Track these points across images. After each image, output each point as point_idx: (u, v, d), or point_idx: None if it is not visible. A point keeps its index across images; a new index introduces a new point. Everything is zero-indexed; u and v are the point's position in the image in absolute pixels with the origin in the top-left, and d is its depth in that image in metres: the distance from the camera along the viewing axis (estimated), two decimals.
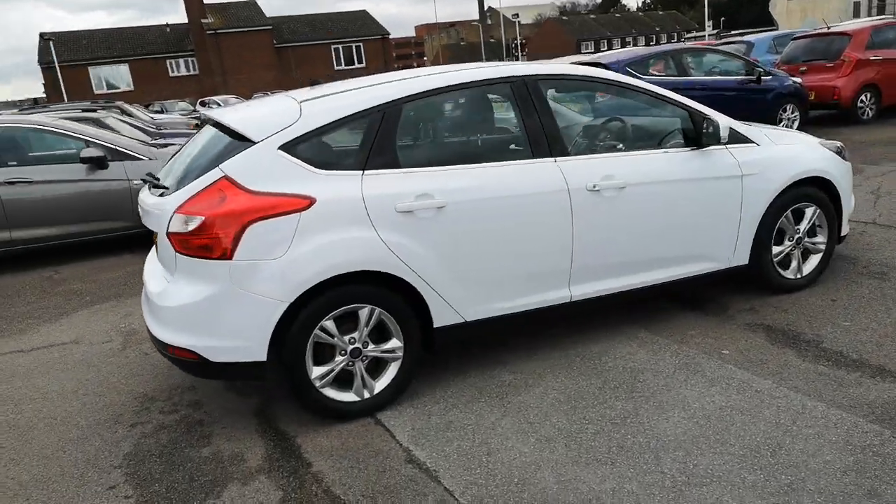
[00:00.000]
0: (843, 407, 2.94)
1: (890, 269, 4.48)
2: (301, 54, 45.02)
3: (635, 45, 75.89)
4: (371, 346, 3.23)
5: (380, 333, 3.26)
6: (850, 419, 2.84)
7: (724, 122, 3.71)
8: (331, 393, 3.20)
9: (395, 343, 3.27)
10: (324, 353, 3.17)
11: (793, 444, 2.71)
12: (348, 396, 3.23)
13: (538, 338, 3.96)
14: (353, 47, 46.54)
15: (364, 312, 3.17)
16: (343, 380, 3.23)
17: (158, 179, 3.41)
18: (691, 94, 9.59)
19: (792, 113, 10.50)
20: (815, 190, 4.16)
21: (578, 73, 3.74)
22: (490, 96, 3.70)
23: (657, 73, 9.89)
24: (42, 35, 39.62)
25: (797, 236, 4.20)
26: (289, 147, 3.08)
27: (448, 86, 3.42)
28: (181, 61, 43.78)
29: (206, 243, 2.92)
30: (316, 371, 3.13)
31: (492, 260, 3.37)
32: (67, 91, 39.34)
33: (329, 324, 3.11)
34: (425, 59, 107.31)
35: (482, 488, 2.63)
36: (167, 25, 46.42)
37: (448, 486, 2.66)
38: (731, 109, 9.74)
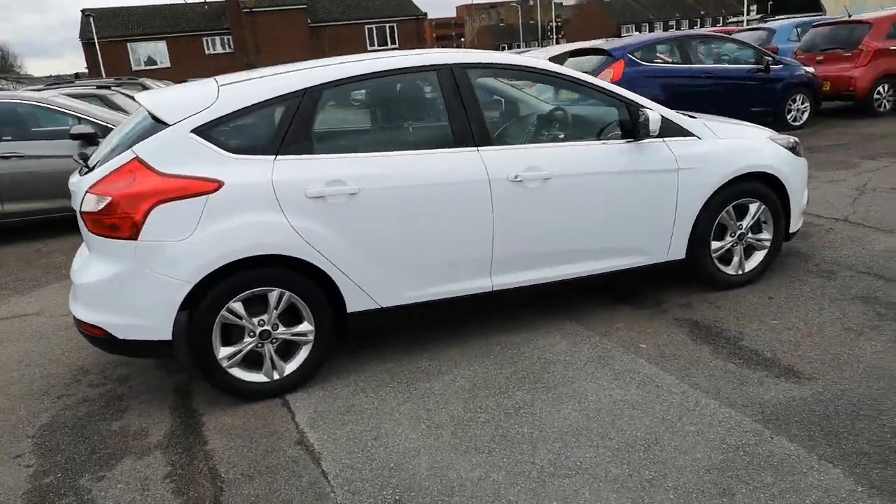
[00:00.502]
0: (735, 405, 2.92)
1: (841, 268, 4.38)
2: (334, 34, 45.11)
3: (678, 28, 74.13)
4: (281, 329, 3.31)
5: (291, 316, 3.33)
6: (736, 417, 2.82)
7: (656, 114, 3.66)
8: (239, 373, 3.28)
9: (306, 327, 3.34)
10: (232, 334, 3.25)
11: (670, 440, 2.71)
12: (257, 377, 3.32)
13: (465, 325, 3.99)
14: (387, 28, 46.45)
15: (273, 295, 3.24)
16: (253, 361, 3.31)
17: (87, 159, 3.52)
18: (696, 82, 9.49)
19: (802, 104, 10.22)
20: (761, 185, 4.09)
21: (508, 62, 3.72)
22: (416, 84, 3.71)
23: (662, 61, 9.70)
24: (83, 11, 40.43)
25: (739, 232, 4.13)
26: (201, 130, 3.15)
27: (371, 72, 3.44)
28: (217, 39, 44.28)
29: (113, 223, 3.02)
30: (223, 351, 3.22)
31: (408, 247, 3.40)
32: (106, 67, 40.19)
33: (237, 305, 3.19)
34: (463, 39, 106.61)
35: (356, 472, 2.69)
36: (205, 3, 46.91)
37: (325, 469, 2.73)
38: (737, 99, 9.61)
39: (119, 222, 3.01)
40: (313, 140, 3.29)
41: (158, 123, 3.18)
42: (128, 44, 42.76)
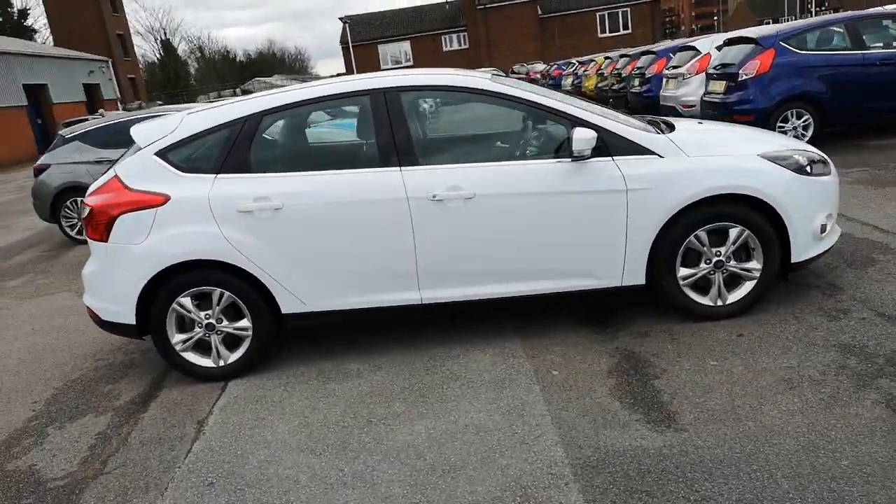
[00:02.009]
0: (571, 446, 2.81)
1: (862, 308, 3.73)
2: (565, 24, 45.04)
3: None
4: (225, 323, 3.85)
5: (236, 313, 3.85)
6: (556, 458, 2.73)
7: (585, 133, 3.49)
8: (191, 357, 3.89)
9: (245, 323, 3.84)
10: (185, 324, 3.86)
11: (472, 470, 2.73)
12: (206, 362, 3.90)
13: (416, 333, 4.18)
14: (620, 13, 45.14)
15: (215, 294, 3.79)
16: (205, 348, 3.90)
17: None
18: (871, 72, 8.15)
19: None
20: (744, 209, 3.66)
21: (443, 83, 3.82)
22: (350, 108, 3.97)
23: (825, 48, 8.49)
24: (341, 19, 45.39)
25: (716, 259, 3.74)
26: (162, 153, 3.79)
27: (307, 99, 3.80)
28: (454, 36, 46.82)
29: (92, 227, 3.79)
30: (177, 337, 3.85)
31: (333, 259, 3.72)
32: (358, 67, 44.71)
33: (186, 301, 3.79)
34: (716, 18, 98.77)
35: (210, 453, 3.13)
36: (447, 3, 49.79)
37: (193, 448, 3.21)
38: None
39: (95, 227, 3.77)
40: (251, 161, 3.75)
41: (137, 147, 3.88)
42: (378, 46, 47.04)
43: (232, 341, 3.90)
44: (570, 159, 3.60)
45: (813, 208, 3.75)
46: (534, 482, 2.60)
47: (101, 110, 13.38)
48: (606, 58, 19.78)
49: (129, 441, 3.35)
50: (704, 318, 3.83)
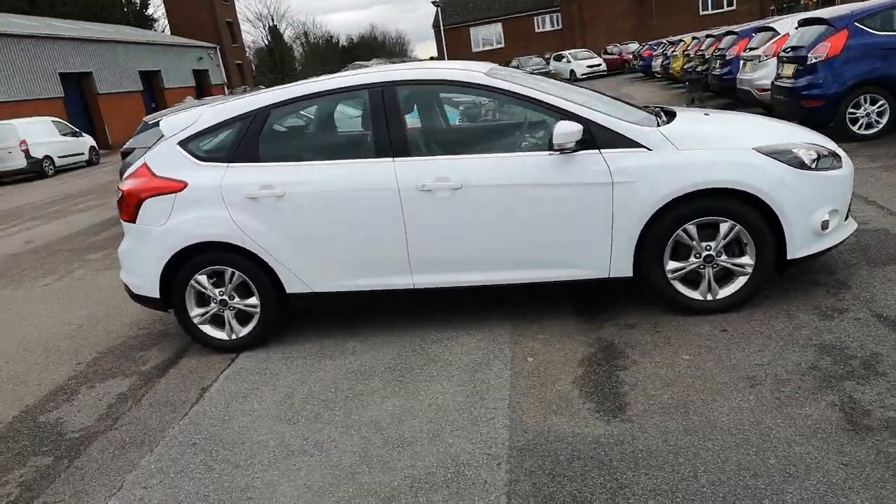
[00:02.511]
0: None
1: (860, 308, 3.60)
2: (663, 1, 43.31)
3: None
4: (236, 300, 4.19)
5: (246, 291, 4.19)
6: (481, 441, 2.86)
7: (567, 126, 3.54)
8: (209, 330, 4.26)
9: (254, 300, 4.17)
10: (203, 300, 4.23)
11: (415, 445, 2.91)
12: (221, 335, 4.26)
13: (416, 317, 4.36)
14: None
15: (227, 273, 4.13)
16: (220, 322, 4.26)
17: None
18: None
19: None
20: (735, 203, 3.61)
21: (440, 77, 3.95)
22: (351, 101, 4.16)
23: None
24: (433, 2, 45.69)
25: (706, 254, 3.71)
26: (184, 143, 4.15)
27: (312, 93, 4.05)
28: (546, 17, 46.11)
29: (123, 209, 4.21)
30: (195, 311, 4.23)
31: (331, 243, 3.97)
32: (449, 50, 44.95)
33: (202, 278, 4.16)
34: None
35: (203, 416, 3.47)
36: None
37: (190, 411, 3.56)
38: None
39: (125, 209, 4.19)
40: (259, 151, 4.04)
41: (165, 137, 4.27)
42: (469, 28, 47.05)
43: (243, 317, 4.23)
44: (548, 152, 3.65)
45: (812, 204, 3.64)
46: (469, 460, 2.75)
47: (187, 97, 14.23)
48: (694, 38, 19.01)
49: (141, 402, 3.75)
50: (694, 312, 3.80)
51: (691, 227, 3.67)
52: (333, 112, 4.31)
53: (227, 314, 4.21)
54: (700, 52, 15.89)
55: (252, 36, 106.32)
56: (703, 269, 3.75)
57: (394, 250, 3.92)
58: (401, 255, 3.92)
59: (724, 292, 3.77)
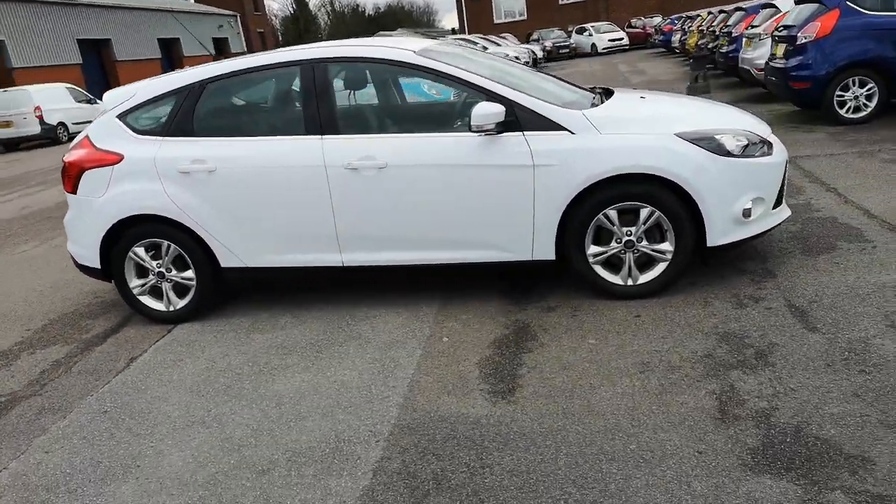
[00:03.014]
0: (409, 408, 2.99)
1: (778, 297, 3.58)
2: None
3: None
4: (174, 272, 4.28)
5: (183, 264, 4.27)
6: (375, 416, 2.93)
7: (486, 108, 3.53)
8: (147, 301, 4.37)
9: (190, 273, 4.25)
10: (144, 271, 4.33)
11: (303, 419, 2.99)
12: (160, 306, 4.37)
13: (355, 293, 4.42)
14: None
15: (164, 246, 4.22)
16: (159, 294, 4.36)
17: None
18: None
19: None
20: (654, 189, 3.59)
21: (369, 55, 3.96)
22: (283, 77, 4.17)
23: None
24: None
25: (626, 239, 3.71)
26: (122, 116, 4.22)
27: (246, 68, 4.08)
28: None
29: (66, 180, 4.31)
30: (135, 282, 4.33)
31: (262, 218, 4.03)
32: (469, 22, 44.39)
33: (140, 250, 4.25)
34: None
35: (123, 386, 3.58)
36: None
37: (113, 380, 3.67)
38: None
39: (67, 180, 4.28)
40: (193, 125, 4.09)
41: (105, 109, 4.34)
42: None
43: (181, 289, 4.33)
44: (473, 133, 3.64)
45: (733, 191, 3.60)
46: (351, 437, 2.82)
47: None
48: (710, 13, 18.58)
49: (72, 370, 3.88)
50: (615, 297, 3.81)
51: (612, 212, 3.66)
52: (268, 88, 4.33)
53: (165, 286, 4.31)
54: (711, 29, 15.55)
55: (278, 3, 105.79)
56: (624, 254, 3.75)
57: (322, 227, 3.97)
58: (329, 232, 3.97)
59: (645, 278, 3.77)
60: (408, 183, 3.79)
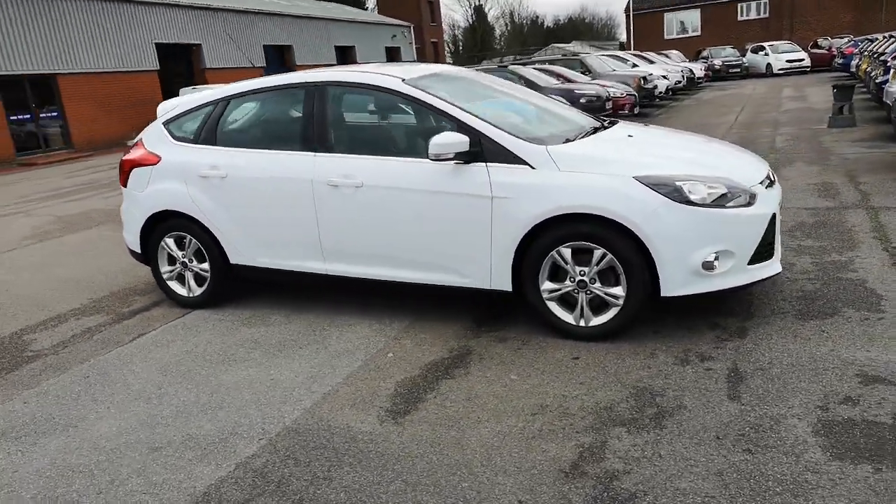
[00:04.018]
0: (310, 414, 3.21)
1: (722, 361, 3.36)
2: None
3: None
4: (194, 263, 4.82)
5: (202, 257, 4.79)
6: (285, 419, 3.17)
7: (444, 138, 3.64)
8: (174, 286, 4.94)
9: (206, 266, 4.77)
10: (172, 259, 4.91)
11: (221, 412, 3.30)
12: (183, 292, 4.93)
13: (344, 302, 4.69)
14: None
15: (187, 239, 4.77)
16: (183, 280, 4.92)
17: None
18: None
19: None
20: (605, 231, 3.51)
21: (360, 81, 4.20)
22: (292, 97, 4.51)
23: None
24: None
25: (579, 279, 3.65)
26: (166, 124, 4.83)
27: (262, 87, 4.52)
28: (752, 4, 42.40)
29: (121, 175, 5.00)
30: (165, 268, 4.93)
31: (261, 223, 4.43)
32: (637, 37, 43.25)
33: (170, 241, 4.84)
34: None
35: (117, 358, 4.11)
36: None
37: (113, 351, 4.23)
38: None
39: (122, 175, 4.97)
40: (216, 135, 4.59)
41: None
42: (664, 14, 44.80)
43: (199, 279, 4.85)
44: (435, 161, 3.76)
45: (692, 241, 3.43)
46: (243, 431, 3.09)
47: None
48: (891, 37, 16.74)
49: (92, 337, 4.51)
50: (568, 336, 3.76)
51: (565, 250, 3.63)
52: (279, 105, 4.71)
53: (188, 274, 4.85)
54: (875, 54, 14.07)
55: (457, 14, 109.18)
56: (578, 293, 3.68)
57: (308, 237, 4.28)
58: (314, 241, 4.28)
59: (597, 320, 3.68)
60: (379, 202, 4.00)
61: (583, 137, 3.96)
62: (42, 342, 4.51)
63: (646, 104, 18.11)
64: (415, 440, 2.89)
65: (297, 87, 4.39)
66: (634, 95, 15.83)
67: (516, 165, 3.68)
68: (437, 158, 3.70)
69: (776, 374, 3.16)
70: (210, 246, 4.65)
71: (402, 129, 4.37)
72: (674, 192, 3.43)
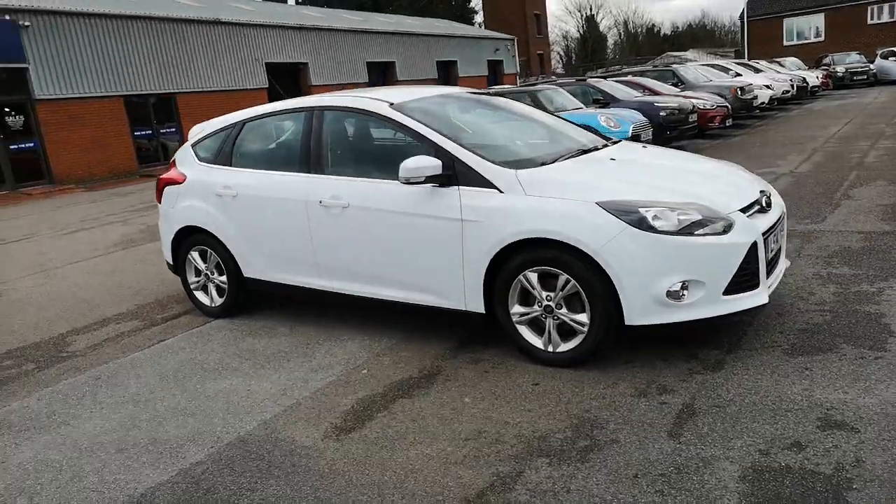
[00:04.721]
0: (258, 426, 3.38)
1: (681, 396, 3.21)
2: None
3: None
4: (215, 276, 5.15)
5: (220, 269, 5.12)
6: (229, 430, 3.35)
7: (413, 162, 3.70)
8: (199, 295, 5.30)
9: (224, 279, 5.09)
10: (198, 271, 5.28)
11: (187, 418, 3.53)
12: (206, 301, 5.27)
13: (345, 318, 4.84)
14: None
15: (209, 253, 5.11)
16: (207, 291, 5.27)
17: None
18: None
19: None
20: (567, 257, 3.46)
21: (352, 105, 4.36)
22: (294, 120, 4.71)
23: None
24: None
25: (546, 304, 3.61)
26: (193, 146, 5.21)
27: (272, 112, 4.78)
28: (885, 7, 39.22)
29: (157, 192, 5.44)
30: (192, 279, 5.30)
31: (266, 240, 4.68)
32: (753, 43, 41.16)
33: (195, 254, 5.20)
34: None
35: (131, 361, 4.47)
36: None
37: (131, 355, 4.60)
38: None
39: (157, 192, 5.40)
40: (232, 156, 4.90)
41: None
42: (783, 19, 42.34)
43: (219, 290, 5.17)
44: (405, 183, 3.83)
45: (655, 269, 3.31)
46: (199, 438, 3.29)
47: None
48: None
49: (120, 342, 4.92)
50: (537, 360, 3.71)
51: (532, 275, 3.60)
52: (284, 128, 4.94)
53: (210, 286, 5.19)
54: None
55: (567, 25, 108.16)
56: (545, 318, 3.64)
57: (306, 254, 4.48)
58: (310, 259, 4.47)
59: (564, 346, 3.62)
60: (362, 223, 4.13)
61: (564, 160, 3.91)
62: (79, 344, 4.96)
63: (743, 115, 17.23)
64: (346, 458, 2.97)
65: (299, 110, 4.61)
66: (726, 107, 15.11)
67: (485, 189, 3.69)
68: (408, 181, 3.78)
69: (732, 412, 2.98)
70: (227, 260, 4.95)
71: (387, 152, 4.48)
72: (636, 219, 3.32)
